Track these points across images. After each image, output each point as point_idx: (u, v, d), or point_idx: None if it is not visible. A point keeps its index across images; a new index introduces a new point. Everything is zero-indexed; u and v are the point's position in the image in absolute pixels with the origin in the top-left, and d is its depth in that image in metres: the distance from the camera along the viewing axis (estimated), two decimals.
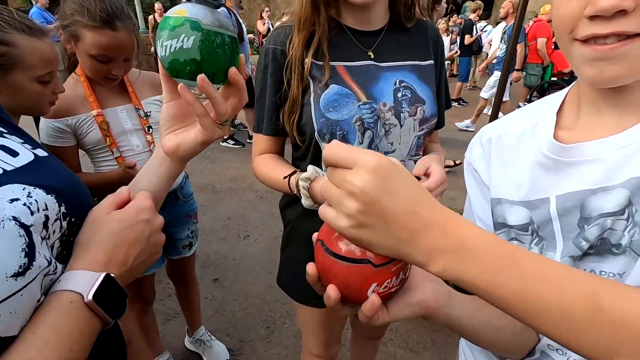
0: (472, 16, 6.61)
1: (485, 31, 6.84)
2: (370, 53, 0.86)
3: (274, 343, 1.89)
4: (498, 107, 2.03)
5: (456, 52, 6.82)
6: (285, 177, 0.86)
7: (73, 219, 0.46)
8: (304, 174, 0.82)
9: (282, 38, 0.85)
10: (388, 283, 0.39)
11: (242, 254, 2.57)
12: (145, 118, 1.29)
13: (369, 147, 0.85)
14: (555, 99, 0.54)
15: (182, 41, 0.45)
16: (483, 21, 6.99)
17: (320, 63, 0.83)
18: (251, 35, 6.58)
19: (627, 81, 0.40)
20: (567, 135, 0.49)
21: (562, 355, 0.50)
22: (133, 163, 1.19)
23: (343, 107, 0.82)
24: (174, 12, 0.47)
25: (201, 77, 0.46)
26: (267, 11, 7.61)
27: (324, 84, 0.82)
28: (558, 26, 0.43)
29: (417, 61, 0.89)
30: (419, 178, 0.77)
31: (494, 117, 2.11)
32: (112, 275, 0.44)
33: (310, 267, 0.42)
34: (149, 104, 1.31)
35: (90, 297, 0.41)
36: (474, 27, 6.65)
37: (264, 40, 6.58)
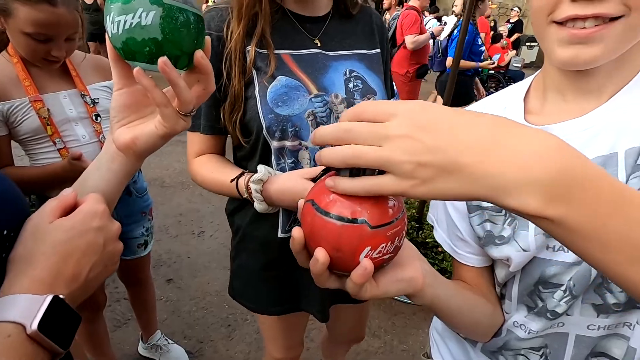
0: (384, 4, 6.76)
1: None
2: (317, 41, 0.81)
3: (235, 341, 1.84)
4: (448, 101, 2.12)
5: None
6: (232, 180, 0.77)
7: (5, 232, 0.38)
8: (255, 176, 0.73)
9: (217, 22, 0.76)
10: (382, 248, 0.35)
11: (197, 251, 2.46)
12: (92, 105, 1.16)
13: None
14: (520, 86, 0.56)
15: (140, 17, 0.38)
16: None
17: (264, 52, 0.76)
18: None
19: (600, 63, 0.42)
20: (534, 119, 0.51)
21: (524, 331, 0.53)
22: (79, 154, 1.06)
23: (293, 100, 0.76)
24: None
25: (163, 59, 0.40)
26: None
27: (270, 75, 0.75)
28: (537, 8, 0.43)
29: (365, 50, 0.86)
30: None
31: None
32: (60, 296, 0.37)
33: (297, 231, 0.37)
34: (97, 90, 1.18)
35: (34, 326, 0.33)
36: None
37: None
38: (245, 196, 0.75)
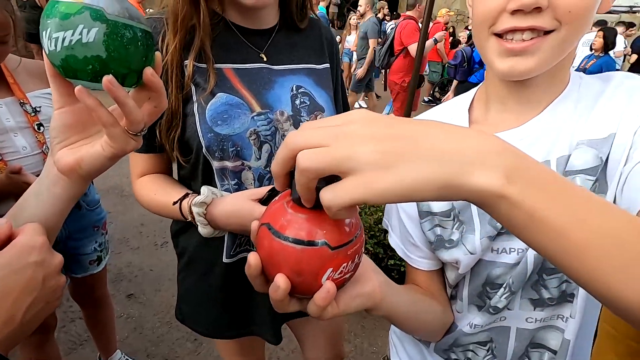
0: (379, 15, 6.99)
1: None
2: (263, 55, 0.77)
3: (202, 355, 1.78)
4: (410, 107, 2.19)
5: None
6: (175, 203, 0.72)
7: None
8: (198, 198, 0.68)
9: None
10: (344, 268, 0.35)
11: (160, 263, 2.36)
12: (33, 114, 1.08)
13: (268, 162, 0.75)
14: (465, 97, 0.60)
15: (81, 34, 0.36)
16: (393, 21, 7.43)
17: (204, 66, 0.71)
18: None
19: (535, 74, 0.45)
20: (478, 128, 0.53)
21: (469, 327, 0.56)
22: (18, 167, 0.98)
23: (234, 119, 0.71)
24: None
25: (108, 78, 0.37)
26: None
27: (209, 92, 0.70)
28: (479, 21, 0.46)
29: (313, 64, 0.83)
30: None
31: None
32: None
33: (253, 257, 0.35)
34: (38, 97, 1.10)
35: None
36: (379, 25, 7.03)
37: None
38: (189, 219, 0.71)
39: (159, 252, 2.46)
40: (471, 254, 0.52)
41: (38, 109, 1.09)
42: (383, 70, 4.43)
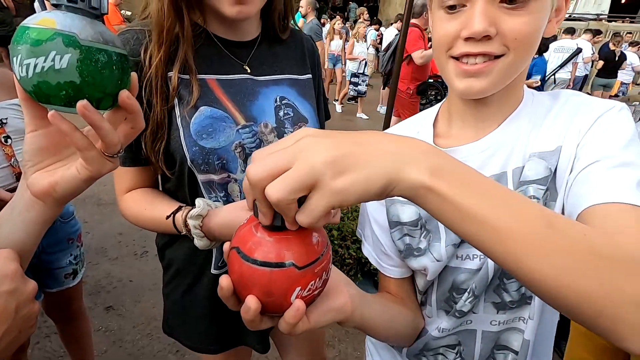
0: (360, 20, 7.10)
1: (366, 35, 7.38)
2: (246, 67, 0.77)
3: None
4: (390, 113, 2.23)
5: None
6: (168, 217, 0.71)
7: None
8: (194, 211, 0.68)
9: (132, 45, 0.69)
10: (312, 285, 0.36)
11: (140, 273, 2.31)
12: (0, 127, 1.04)
13: None
14: (431, 112, 0.64)
15: (53, 60, 0.35)
16: (373, 26, 7.54)
17: (187, 77, 0.70)
18: None
19: (489, 93, 0.50)
20: (442, 142, 0.58)
21: (438, 330, 0.59)
22: None
23: (219, 132, 0.71)
24: (37, 21, 0.36)
25: (83, 103, 0.37)
26: None
27: (192, 105, 0.69)
28: (437, 45, 0.51)
29: (296, 75, 0.83)
30: None
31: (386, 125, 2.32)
32: None
33: (225, 280, 0.37)
34: (4, 108, 1.06)
35: None
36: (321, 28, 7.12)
37: None
38: (184, 233, 0.70)
39: (139, 262, 2.41)
40: (437, 261, 0.56)
41: (4, 121, 1.05)
42: (384, 76, 4.40)
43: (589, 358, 1.33)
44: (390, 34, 6.37)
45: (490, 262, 0.53)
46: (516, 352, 0.56)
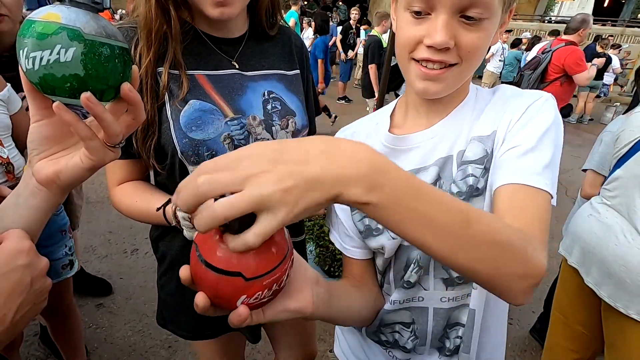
0: (351, 21, 7.15)
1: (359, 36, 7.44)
2: (235, 62, 0.79)
3: None
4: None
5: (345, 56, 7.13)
6: (158, 209, 0.73)
7: None
8: None
9: None
10: (259, 295, 0.37)
11: (131, 270, 2.30)
12: None
13: None
14: (389, 106, 0.70)
15: (58, 53, 0.36)
16: (363, 26, 7.60)
17: (176, 72, 0.72)
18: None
19: (443, 95, 0.56)
20: (397, 131, 0.65)
21: (389, 302, 0.64)
22: None
23: (208, 124, 0.73)
24: (42, 15, 0.37)
25: (86, 95, 0.38)
26: None
27: (181, 98, 0.71)
28: (401, 46, 0.55)
29: (284, 70, 0.85)
30: None
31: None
32: None
33: (183, 271, 0.39)
34: None
35: None
36: (351, 29, 7.19)
37: None
38: (174, 224, 0.72)
39: (129, 260, 2.40)
40: (393, 239, 0.61)
41: None
42: None
43: (565, 344, 1.39)
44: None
45: None
46: (464, 325, 0.61)
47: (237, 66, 0.80)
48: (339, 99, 7.10)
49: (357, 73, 8.29)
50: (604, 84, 7.36)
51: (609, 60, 7.00)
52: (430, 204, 0.36)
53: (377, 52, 4.27)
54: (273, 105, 0.81)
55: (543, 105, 0.56)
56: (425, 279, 0.62)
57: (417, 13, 0.51)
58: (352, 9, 7.29)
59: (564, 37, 3.52)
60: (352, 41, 7.16)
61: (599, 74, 6.97)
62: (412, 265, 0.61)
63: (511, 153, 0.52)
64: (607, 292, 1.14)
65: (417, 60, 0.53)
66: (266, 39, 0.85)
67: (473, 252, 0.38)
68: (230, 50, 0.80)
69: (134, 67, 0.44)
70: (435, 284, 0.62)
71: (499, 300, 0.65)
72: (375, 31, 4.46)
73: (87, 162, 0.44)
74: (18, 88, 1.22)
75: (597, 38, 8.39)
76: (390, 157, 0.59)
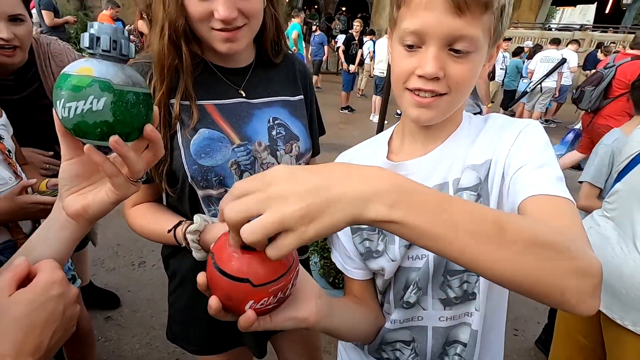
0: (354, 33, 7.24)
1: (364, 47, 7.52)
2: (242, 91, 0.83)
3: None
4: (382, 122, 2.31)
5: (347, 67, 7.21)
6: (169, 231, 0.78)
7: None
8: (192, 226, 0.75)
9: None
10: (265, 301, 0.43)
11: (138, 283, 2.34)
12: (0, 142, 1.08)
13: None
14: (386, 133, 0.74)
15: (91, 103, 0.41)
16: (369, 36, 7.69)
17: (187, 103, 0.77)
18: (131, 37, 5.92)
19: (435, 122, 0.60)
20: (395, 157, 0.68)
21: (389, 322, 0.67)
22: (32, 182, 1.00)
23: (216, 152, 0.78)
24: (78, 70, 0.42)
25: (115, 139, 0.42)
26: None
27: (192, 127, 0.76)
28: (395, 77, 0.59)
29: (288, 96, 0.89)
30: None
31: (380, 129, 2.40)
32: None
33: (201, 277, 0.44)
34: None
35: None
36: (353, 41, 7.28)
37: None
38: (184, 245, 0.77)
39: (136, 273, 2.44)
40: (392, 261, 0.64)
41: (2, 137, 1.10)
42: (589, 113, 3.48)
43: (569, 355, 1.40)
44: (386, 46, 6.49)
45: (431, 258, 0.62)
46: (465, 344, 0.64)
47: (243, 94, 0.84)
48: (342, 108, 7.17)
49: (361, 83, 8.37)
50: None
51: None
52: (459, 213, 0.36)
53: None
54: (277, 131, 0.85)
55: (534, 129, 0.60)
56: (424, 300, 0.64)
57: (410, 46, 0.55)
58: (355, 20, 7.38)
59: (629, 51, 3.43)
60: (354, 52, 7.25)
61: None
62: (412, 286, 0.63)
63: (523, 171, 0.54)
64: (604, 303, 1.16)
65: (411, 90, 0.57)
66: (271, 67, 0.90)
67: (514, 256, 0.36)
68: (237, 80, 0.84)
69: (155, 109, 0.49)
70: (434, 304, 0.64)
71: (500, 320, 0.67)
72: None
73: (112, 196, 0.48)
74: (25, 110, 1.27)
75: (600, 45, 8.42)
76: None
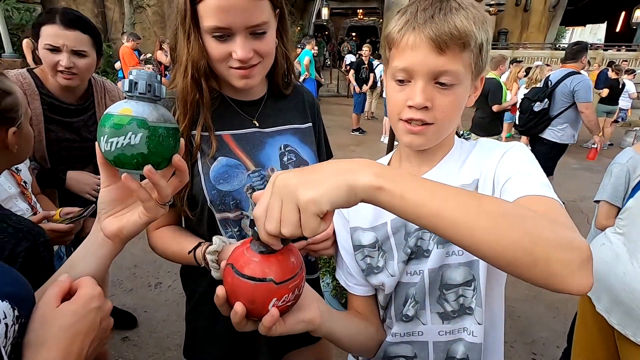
0: (363, 57, 7.44)
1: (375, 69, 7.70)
2: (255, 121, 0.91)
3: None
4: (392, 142, 2.36)
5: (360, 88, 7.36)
6: (189, 252, 0.84)
7: (23, 320, 0.44)
8: (211, 247, 0.80)
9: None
10: (286, 297, 0.48)
11: (155, 304, 2.39)
12: (17, 174, 1.19)
13: None
14: (387, 157, 0.81)
15: (130, 138, 0.48)
16: (376, 60, 7.89)
17: (206, 134, 0.85)
18: (149, 66, 6.24)
19: (426, 147, 0.66)
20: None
21: (390, 335, 0.71)
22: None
23: (233, 177, 0.85)
24: (119, 110, 0.49)
25: (148, 168, 0.49)
26: (167, 42, 7.33)
27: (211, 156, 0.83)
28: (391, 109, 0.65)
29: (297, 124, 0.97)
30: None
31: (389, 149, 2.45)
32: None
33: (220, 289, 0.49)
34: None
35: None
36: (363, 65, 7.46)
37: (167, 72, 6.31)
38: (203, 265, 0.83)
39: (153, 293, 2.49)
40: (392, 276, 0.69)
41: (19, 169, 1.21)
42: None
43: None
44: None
45: (426, 273, 0.66)
46: (466, 359, 0.67)
47: (257, 124, 0.92)
48: (353, 130, 7.28)
49: (372, 106, 8.51)
50: (622, 109, 7.29)
51: (623, 86, 6.99)
52: (437, 186, 0.42)
53: (500, 93, 4.26)
54: (289, 157, 0.92)
55: (518, 148, 0.65)
56: (423, 314, 0.68)
57: (401, 81, 0.62)
58: (364, 45, 7.61)
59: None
60: (364, 76, 7.42)
61: (615, 99, 6.95)
62: (410, 299, 0.68)
63: (511, 181, 0.58)
64: (616, 320, 1.16)
65: (404, 120, 0.63)
66: (282, 98, 0.98)
67: (493, 223, 0.37)
68: (251, 111, 0.92)
69: (182, 141, 0.56)
70: (432, 318, 0.68)
71: (497, 334, 0.70)
72: (493, 74, 4.43)
73: (144, 218, 0.55)
74: (76, 133, 1.48)
75: (611, 64, 8.41)
76: None
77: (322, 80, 8.24)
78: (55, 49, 1.30)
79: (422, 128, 0.62)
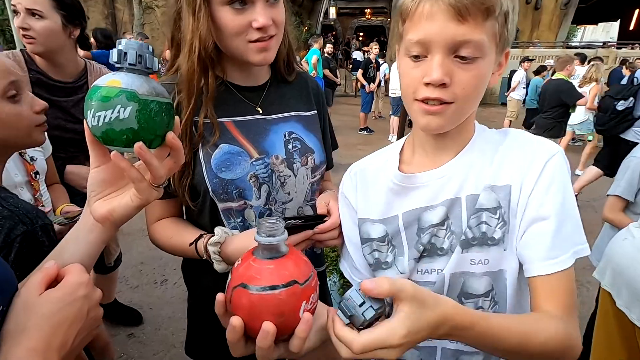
0: (371, 55, 7.39)
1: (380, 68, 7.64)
2: (259, 108, 0.87)
3: None
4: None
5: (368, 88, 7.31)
6: (191, 244, 0.81)
7: (3, 308, 0.41)
8: (213, 239, 0.77)
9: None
10: (313, 298, 0.43)
11: (160, 301, 2.37)
12: (30, 163, 1.14)
13: (267, 200, 0.85)
14: (398, 143, 0.74)
15: (118, 112, 0.44)
16: (381, 59, 7.84)
17: (208, 121, 0.81)
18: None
19: (445, 130, 0.59)
20: (407, 168, 0.67)
21: None
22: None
23: (235, 165, 0.81)
24: (107, 82, 0.45)
25: (139, 145, 0.45)
26: None
27: (213, 143, 0.80)
28: (405, 88, 0.60)
29: (302, 112, 0.93)
30: (324, 216, 0.78)
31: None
32: None
33: (236, 319, 0.43)
34: (35, 150, 1.15)
35: None
36: (371, 64, 7.40)
37: None
38: (205, 258, 0.79)
39: (159, 290, 2.48)
40: (402, 273, 0.64)
41: (35, 159, 1.16)
42: None
43: None
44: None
45: (447, 276, 0.61)
46: None
47: (260, 111, 0.88)
48: (361, 129, 7.23)
49: (379, 105, 8.45)
50: None
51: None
52: (495, 341, 0.48)
53: (575, 91, 4.05)
54: (293, 144, 0.88)
55: (557, 163, 0.58)
56: None
57: (416, 57, 0.55)
58: (372, 44, 7.57)
59: None
60: (372, 74, 7.36)
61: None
62: None
63: (538, 230, 0.56)
64: (636, 315, 1.10)
65: (420, 100, 0.57)
66: (285, 84, 0.94)
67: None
68: (254, 97, 0.88)
69: (177, 118, 0.52)
70: None
71: None
72: (560, 75, 4.26)
73: (136, 200, 0.51)
74: (65, 114, 1.43)
75: (624, 61, 8.22)
76: (399, 194, 0.66)
77: (339, 80, 8.00)
78: (16, 12, 1.27)
79: (441, 107, 0.56)
